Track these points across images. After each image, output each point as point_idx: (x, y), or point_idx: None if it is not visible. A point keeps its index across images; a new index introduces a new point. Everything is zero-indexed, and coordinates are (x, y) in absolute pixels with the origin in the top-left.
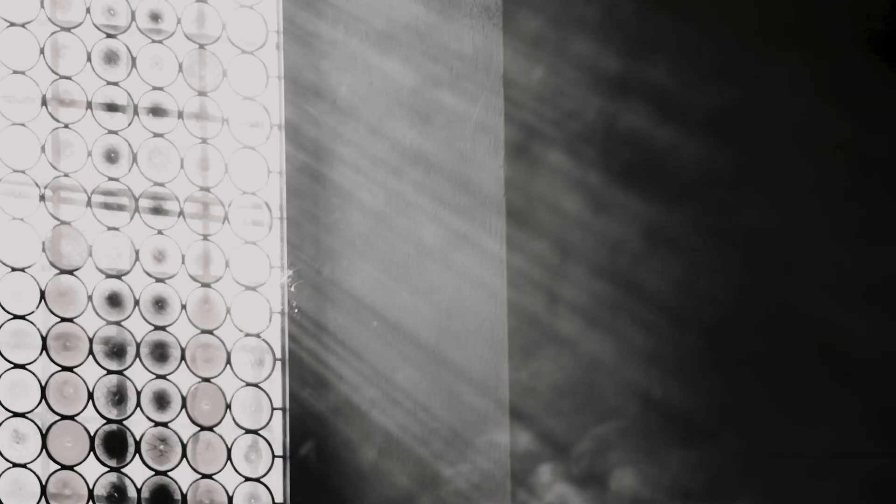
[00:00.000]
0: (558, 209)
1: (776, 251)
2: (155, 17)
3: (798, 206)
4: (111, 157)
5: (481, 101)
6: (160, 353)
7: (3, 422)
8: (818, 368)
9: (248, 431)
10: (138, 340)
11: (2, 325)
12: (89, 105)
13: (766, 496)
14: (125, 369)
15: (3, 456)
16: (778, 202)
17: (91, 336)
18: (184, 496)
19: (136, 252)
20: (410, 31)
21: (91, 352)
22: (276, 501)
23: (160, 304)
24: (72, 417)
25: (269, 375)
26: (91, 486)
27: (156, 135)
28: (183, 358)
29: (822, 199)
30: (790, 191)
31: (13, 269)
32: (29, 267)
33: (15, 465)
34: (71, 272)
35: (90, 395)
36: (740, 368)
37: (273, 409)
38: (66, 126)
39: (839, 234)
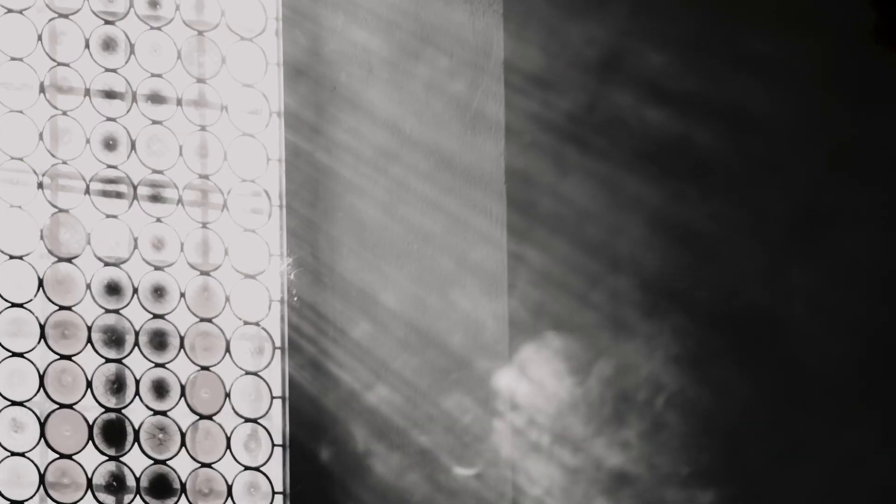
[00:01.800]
0: (559, 195)
1: (779, 238)
2: (153, 4)
3: (799, 192)
4: (109, 144)
5: (481, 87)
6: (159, 341)
7: (1, 410)
8: (816, 365)
9: (247, 420)
10: (137, 329)
11: (0, 312)
12: (87, 92)
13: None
14: (124, 358)
15: (1, 445)
16: (780, 187)
17: (90, 324)
18: (183, 485)
19: (135, 240)
20: (410, 16)
21: (90, 340)
22: (275, 490)
23: (159, 292)
24: (70, 406)
25: (269, 364)
26: (90, 475)
27: (154, 122)
28: (182, 346)
29: (822, 185)
30: (793, 177)
31: (11, 257)
32: (27, 255)
33: (13, 453)
34: (69, 260)
35: (89, 384)
36: (747, 358)
37: (273, 397)
38: (65, 113)
39: (844, 220)
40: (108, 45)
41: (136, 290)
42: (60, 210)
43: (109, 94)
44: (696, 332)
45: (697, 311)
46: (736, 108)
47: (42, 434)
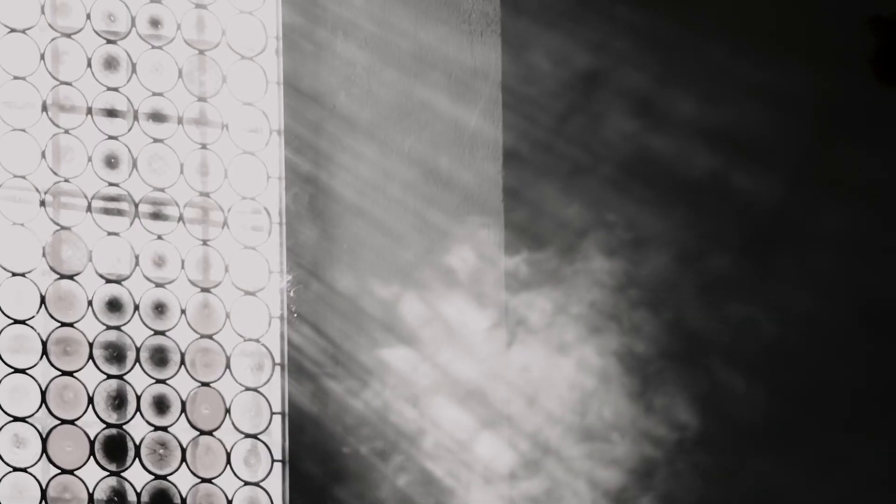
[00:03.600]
0: (556, 215)
1: (781, 260)
2: (155, 23)
3: (787, 213)
4: (111, 162)
5: (479, 108)
6: (160, 357)
7: (3, 426)
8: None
9: (247, 436)
10: (138, 345)
11: (2, 329)
12: (89, 111)
13: None
14: (125, 374)
15: (3, 460)
16: (771, 207)
17: (91, 340)
18: (183, 500)
19: (136, 257)
20: (409, 37)
21: (91, 356)
22: None
23: (160, 308)
24: (72, 422)
25: (269, 380)
26: (91, 491)
27: (155, 140)
28: (182, 362)
29: (808, 206)
30: (781, 197)
31: (14, 274)
32: (29, 272)
33: (15, 469)
34: (71, 277)
35: (90, 400)
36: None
37: (272, 413)
38: (67, 131)
39: (831, 243)
40: (110, 63)
41: (137, 307)
42: (62, 227)
43: (111, 113)
44: (696, 353)
45: (697, 337)
46: (741, 131)
47: (44, 449)
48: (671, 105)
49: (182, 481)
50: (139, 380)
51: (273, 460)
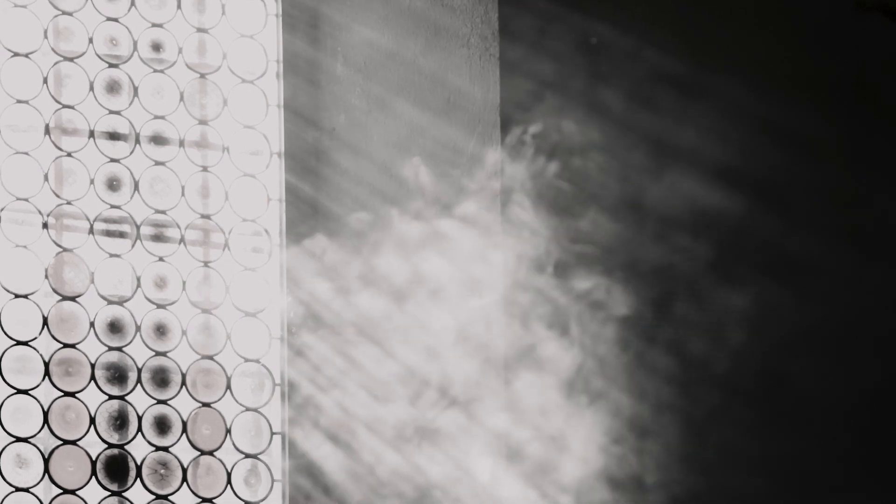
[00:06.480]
0: (556, 240)
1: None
2: (156, 47)
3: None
4: (113, 184)
5: (477, 132)
6: (161, 378)
7: (5, 447)
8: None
9: (247, 456)
10: (139, 366)
11: (5, 350)
12: (92, 134)
13: None
14: (126, 394)
15: (5, 480)
16: (774, 243)
17: (93, 361)
18: None
19: (138, 279)
20: (408, 61)
21: (93, 377)
22: None
23: (161, 329)
24: (74, 442)
25: (269, 400)
26: None
27: (157, 163)
28: (183, 383)
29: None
30: (775, 229)
31: (16, 296)
32: (32, 293)
33: (17, 489)
34: (73, 298)
35: (92, 420)
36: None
37: (272, 433)
38: (69, 154)
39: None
40: (112, 87)
41: (138, 328)
42: (65, 249)
43: (113, 136)
44: (676, 373)
45: (678, 358)
46: (743, 166)
47: (46, 470)
48: (668, 134)
49: (183, 501)
50: (140, 400)
51: (273, 480)
